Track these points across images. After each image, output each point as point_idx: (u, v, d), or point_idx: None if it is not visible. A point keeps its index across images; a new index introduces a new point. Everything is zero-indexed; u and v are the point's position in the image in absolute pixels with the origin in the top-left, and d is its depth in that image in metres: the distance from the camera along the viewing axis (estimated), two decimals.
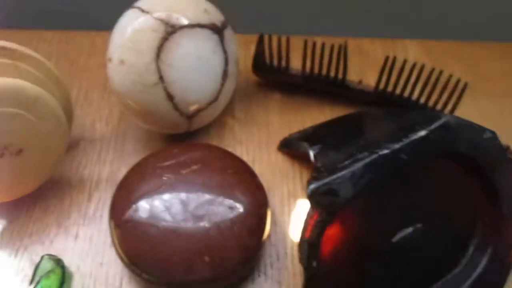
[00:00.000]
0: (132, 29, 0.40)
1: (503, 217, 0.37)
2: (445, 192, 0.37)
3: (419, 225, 0.36)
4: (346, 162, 0.32)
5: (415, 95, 0.45)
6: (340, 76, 0.47)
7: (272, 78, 0.49)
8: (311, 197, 0.31)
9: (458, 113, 0.49)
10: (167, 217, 0.35)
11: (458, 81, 0.44)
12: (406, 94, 0.46)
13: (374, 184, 0.33)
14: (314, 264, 0.31)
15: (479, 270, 0.37)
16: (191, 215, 0.35)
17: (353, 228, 0.34)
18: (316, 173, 0.32)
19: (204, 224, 0.35)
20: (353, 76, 0.49)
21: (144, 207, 0.36)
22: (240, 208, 0.36)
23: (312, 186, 0.31)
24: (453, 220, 0.38)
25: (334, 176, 0.31)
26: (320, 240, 0.31)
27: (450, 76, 0.44)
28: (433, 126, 0.33)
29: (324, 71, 0.46)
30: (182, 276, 0.34)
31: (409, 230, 0.36)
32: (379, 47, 0.55)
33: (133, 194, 0.37)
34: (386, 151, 0.32)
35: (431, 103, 0.45)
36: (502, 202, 0.36)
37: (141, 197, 0.36)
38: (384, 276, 0.36)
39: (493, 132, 0.35)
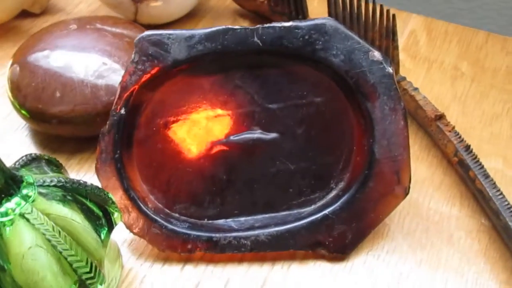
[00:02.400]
0: None
1: (374, 162, 0.32)
2: (318, 113, 0.33)
3: (273, 135, 0.33)
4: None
5: None
6: None
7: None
8: (138, 43, 0.30)
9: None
10: (51, 58, 0.37)
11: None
12: None
13: (218, 59, 0.31)
14: (123, 111, 0.30)
15: (324, 212, 0.33)
16: (69, 56, 0.37)
17: (194, 105, 0.32)
18: None
19: (73, 67, 0.36)
20: None
21: (41, 51, 0.37)
22: (114, 66, 0.36)
23: (144, 34, 0.30)
24: (323, 152, 0.33)
25: (170, 31, 0.30)
26: (134, 89, 0.30)
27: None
28: (304, 23, 0.31)
29: None
30: (33, 103, 0.36)
31: (256, 134, 0.33)
32: None
33: (39, 40, 0.39)
34: (236, 27, 0.30)
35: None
36: (375, 140, 0.32)
37: (42, 41, 0.38)
38: (212, 175, 0.33)
39: (384, 57, 0.31)
